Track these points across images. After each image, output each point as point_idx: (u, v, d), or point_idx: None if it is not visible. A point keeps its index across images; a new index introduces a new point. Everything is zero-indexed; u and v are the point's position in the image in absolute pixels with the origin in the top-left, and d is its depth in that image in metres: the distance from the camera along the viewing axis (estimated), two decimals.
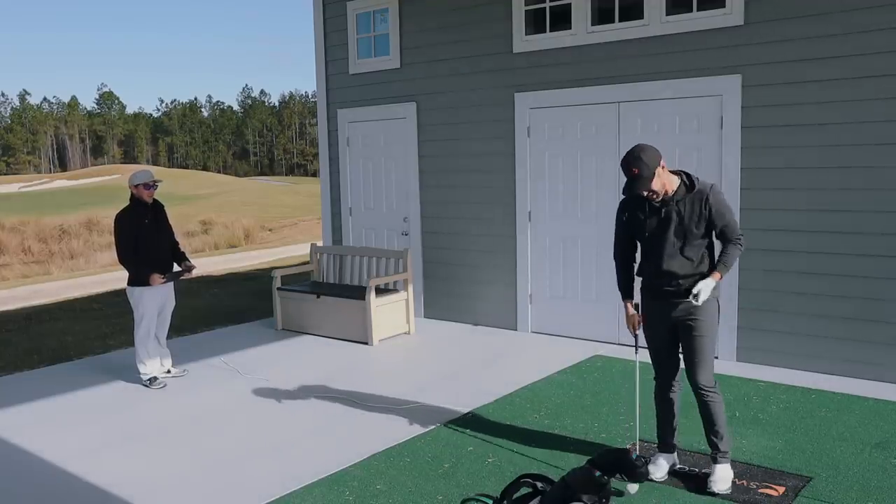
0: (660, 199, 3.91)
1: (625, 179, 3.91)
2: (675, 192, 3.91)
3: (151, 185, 6.17)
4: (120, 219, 6.13)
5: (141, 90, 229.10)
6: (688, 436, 4.77)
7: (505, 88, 7.57)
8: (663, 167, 3.84)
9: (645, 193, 3.86)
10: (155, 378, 6.27)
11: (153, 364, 6.29)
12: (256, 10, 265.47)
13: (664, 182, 3.86)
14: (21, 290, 14.98)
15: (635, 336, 4.24)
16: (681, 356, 4.14)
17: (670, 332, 4.08)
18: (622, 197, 4.06)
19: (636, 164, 3.78)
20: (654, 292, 4.06)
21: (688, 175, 3.95)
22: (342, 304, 7.58)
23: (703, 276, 3.93)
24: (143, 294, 6.17)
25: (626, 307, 4.23)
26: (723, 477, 4.01)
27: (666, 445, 4.30)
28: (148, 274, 6.11)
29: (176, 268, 6.43)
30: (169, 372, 6.50)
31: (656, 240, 3.97)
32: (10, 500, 4.18)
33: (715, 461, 4.07)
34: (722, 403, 4.05)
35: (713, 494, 3.95)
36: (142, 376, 6.27)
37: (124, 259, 6.11)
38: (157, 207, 6.33)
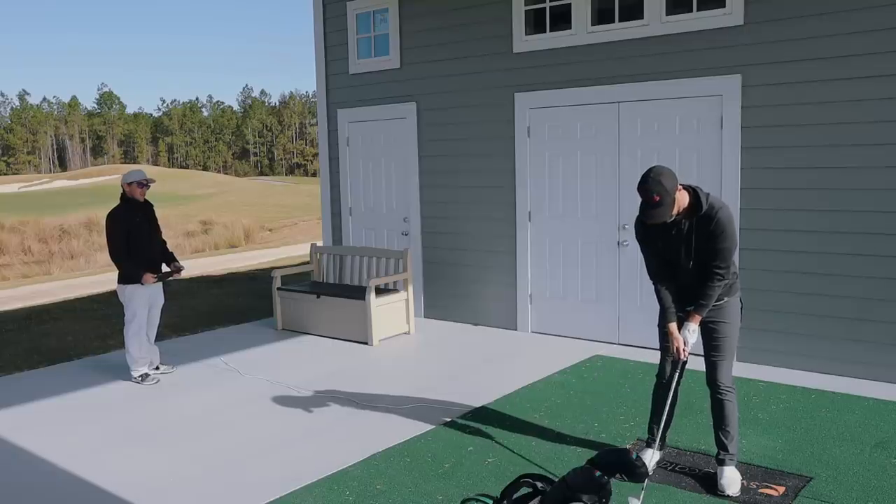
0: (672, 219, 3.84)
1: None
2: (685, 210, 3.84)
3: (145, 184, 6.23)
4: (112, 217, 6.17)
5: (141, 90, 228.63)
6: (688, 436, 4.78)
7: (505, 88, 7.57)
8: (679, 189, 3.76)
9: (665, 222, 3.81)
10: (147, 375, 6.31)
11: (143, 361, 6.33)
12: (257, 10, 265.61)
13: (679, 203, 3.80)
14: (21, 290, 14.98)
15: (680, 363, 4.09)
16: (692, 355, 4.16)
17: None
18: (637, 215, 3.99)
19: (657, 191, 3.67)
20: (678, 302, 4.07)
21: (696, 194, 3.83)
22: (342, 304, 7.59)
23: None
24: (135, 292, 6.21)
25: (668, 330, 4.07)
26: (733, 479, 4.01)
27: (657, 442, 4.32)
28: (141, 273, 6.15)
29: (165, 268, 6.47)
30: (158, 369, 6.53)
31: (670, 259, 3.98)
32: (11, 500, 4.18)
33: (722, 463, 4.07)
34: (736, 404, 4.07)
35: (724, 497, 3.94)
36: (133, 373, 6.31)
37: (117, 257, 6.14)
38: (148, 207, 6.37)
